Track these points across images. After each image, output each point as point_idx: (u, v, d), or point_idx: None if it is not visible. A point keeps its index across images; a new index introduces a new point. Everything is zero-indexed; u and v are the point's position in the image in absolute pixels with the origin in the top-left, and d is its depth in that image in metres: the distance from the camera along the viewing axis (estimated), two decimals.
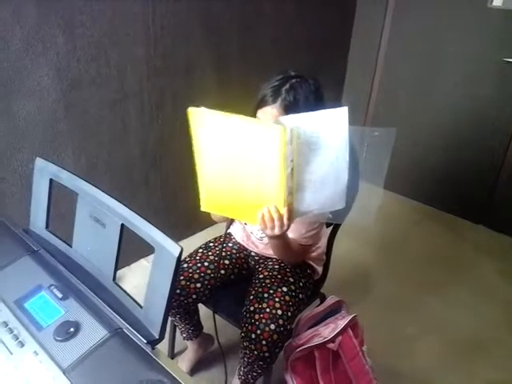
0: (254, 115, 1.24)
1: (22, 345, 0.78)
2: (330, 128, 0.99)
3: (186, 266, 1.44)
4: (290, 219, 1.05)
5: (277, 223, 1.05)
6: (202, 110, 1.01)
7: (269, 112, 1.19)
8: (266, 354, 1.26)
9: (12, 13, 1.50)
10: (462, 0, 2.53)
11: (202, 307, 1.52)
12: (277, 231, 1.06)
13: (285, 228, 1.06)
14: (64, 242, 1.00)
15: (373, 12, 2.92)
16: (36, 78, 1.63)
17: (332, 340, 1.31)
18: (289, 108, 1.16)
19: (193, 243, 1.62)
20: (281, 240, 1.21)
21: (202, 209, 1.12)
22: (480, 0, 2.45)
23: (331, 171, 1.02)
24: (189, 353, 1.73)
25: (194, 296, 1.41)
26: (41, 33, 1.59)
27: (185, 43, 2.05)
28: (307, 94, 1.18)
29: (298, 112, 1.12)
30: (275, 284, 1.36)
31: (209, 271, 1.44)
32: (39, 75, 1.64)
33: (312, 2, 2.61)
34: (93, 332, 0.79)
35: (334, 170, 1.02)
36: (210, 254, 1.48)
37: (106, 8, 1.72)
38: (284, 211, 1.03)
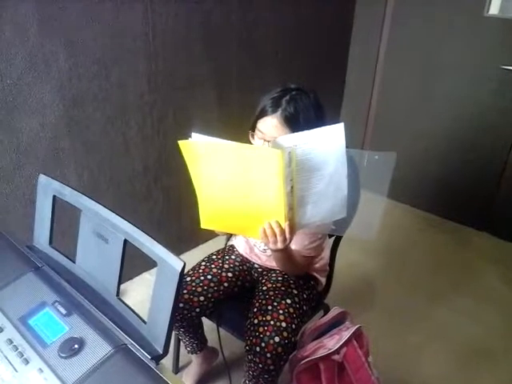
0: (253, 127, 1.25)
1: (26, 362, 0.78)
2: (327, 145, 1.01)
3: (189, 279, 1.44)
4: (292, 233, 1.07)
5: (279, 238, 1.06)
6: (192, 141, 1.03)
7: (269, 121, 1.20)
8: (271, 367, 1.26)
9: (14, 31, 1.52)
10: (458, 9, 2.56)
11: (205, 320, 1.52)
12: (279, 245, 1.07)
13: (287, 242, 1.07)
14: (67, 257, 1.00)
15: (370, 23, 2.95)
16: (39, 96, 1.65)
17: (337, 351, 1.30)
18: (289, 119, 1.18)
19: (195, 256, 1.62)
20: (284, 253, 1.21)
21: (202, 226, 1.13)
22: (477, 9, 2.47)
23: (331, 184, 1.04)
24: (193, 366, 1.72)
25: (198, 309, 1.41)
26: (43, 51, 1.61)
27: (185, 58, 2.08)
28: (307, 106, 1.20)
29: (298, 123, 1.14)
30: (279, 296, 1.36)
31: (212, 284, 1.44)
32: (42, 92, 1.65)
33: (311, 14, 2.64)
34: (97, 348, 0.79)
35: (333, 182, 1.04)
36: (212, 266, 1.48)
37: (107, 26, 1.75)
38: (285, 226, 1.04)
